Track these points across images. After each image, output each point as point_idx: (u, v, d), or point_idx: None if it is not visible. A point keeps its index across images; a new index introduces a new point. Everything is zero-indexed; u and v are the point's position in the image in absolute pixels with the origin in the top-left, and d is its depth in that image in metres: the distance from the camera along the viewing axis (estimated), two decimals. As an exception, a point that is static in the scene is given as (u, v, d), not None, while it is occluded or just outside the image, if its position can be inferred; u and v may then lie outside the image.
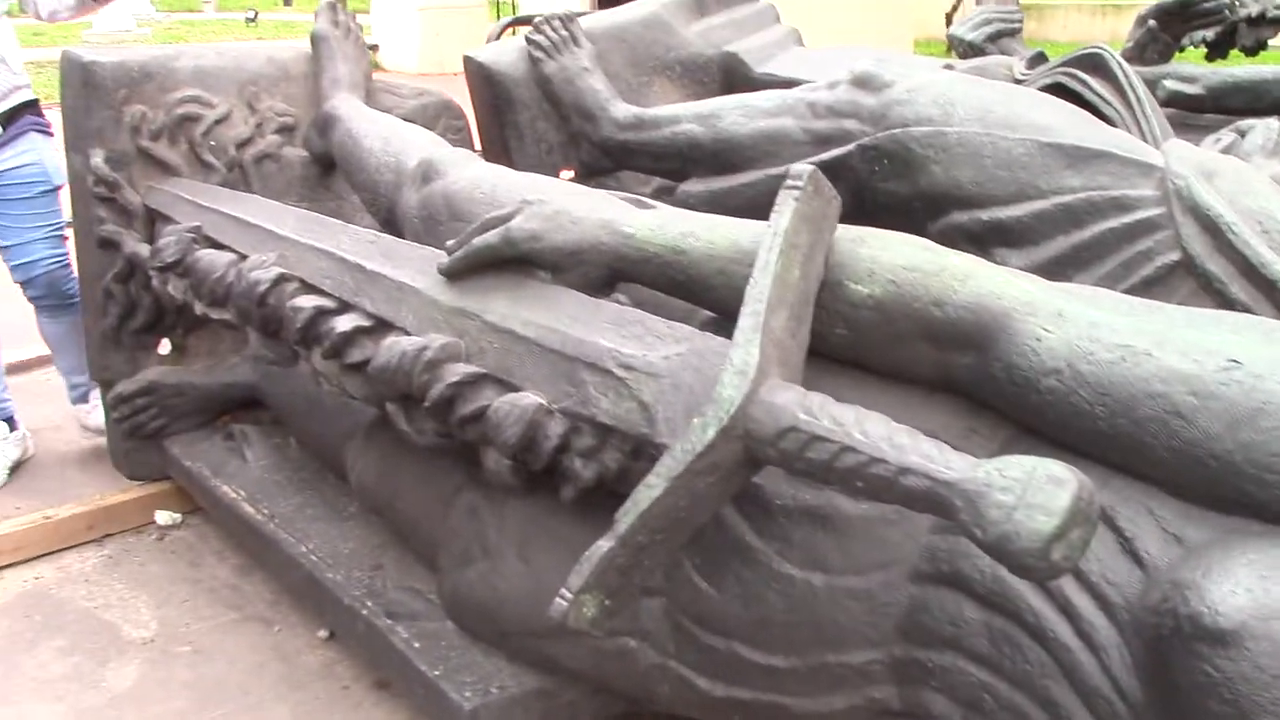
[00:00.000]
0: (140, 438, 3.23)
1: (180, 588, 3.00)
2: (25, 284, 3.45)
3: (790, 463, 1.40)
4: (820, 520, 1.60)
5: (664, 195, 2.84)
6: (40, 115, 3.46)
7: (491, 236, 1.93)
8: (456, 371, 1.86)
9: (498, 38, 5.19)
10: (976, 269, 1.56)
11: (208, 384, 3.25)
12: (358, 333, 2.08)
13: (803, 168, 1.59)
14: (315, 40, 3.28)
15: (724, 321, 1.76)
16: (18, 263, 3.41)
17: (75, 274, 3.49)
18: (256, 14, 18.63)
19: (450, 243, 2.03)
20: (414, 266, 2.12)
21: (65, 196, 3.32)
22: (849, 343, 1.64)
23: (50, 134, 3.46)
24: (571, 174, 3.20)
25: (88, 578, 3.07)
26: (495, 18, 14.19)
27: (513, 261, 1.94)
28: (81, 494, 3.40)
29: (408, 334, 2.00)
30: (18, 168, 3.36)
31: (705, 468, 1.43)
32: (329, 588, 2.46)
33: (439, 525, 2.21)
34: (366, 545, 2.58)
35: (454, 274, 2.00)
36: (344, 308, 2.15)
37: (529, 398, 1.76)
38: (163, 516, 3.33)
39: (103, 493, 3.37)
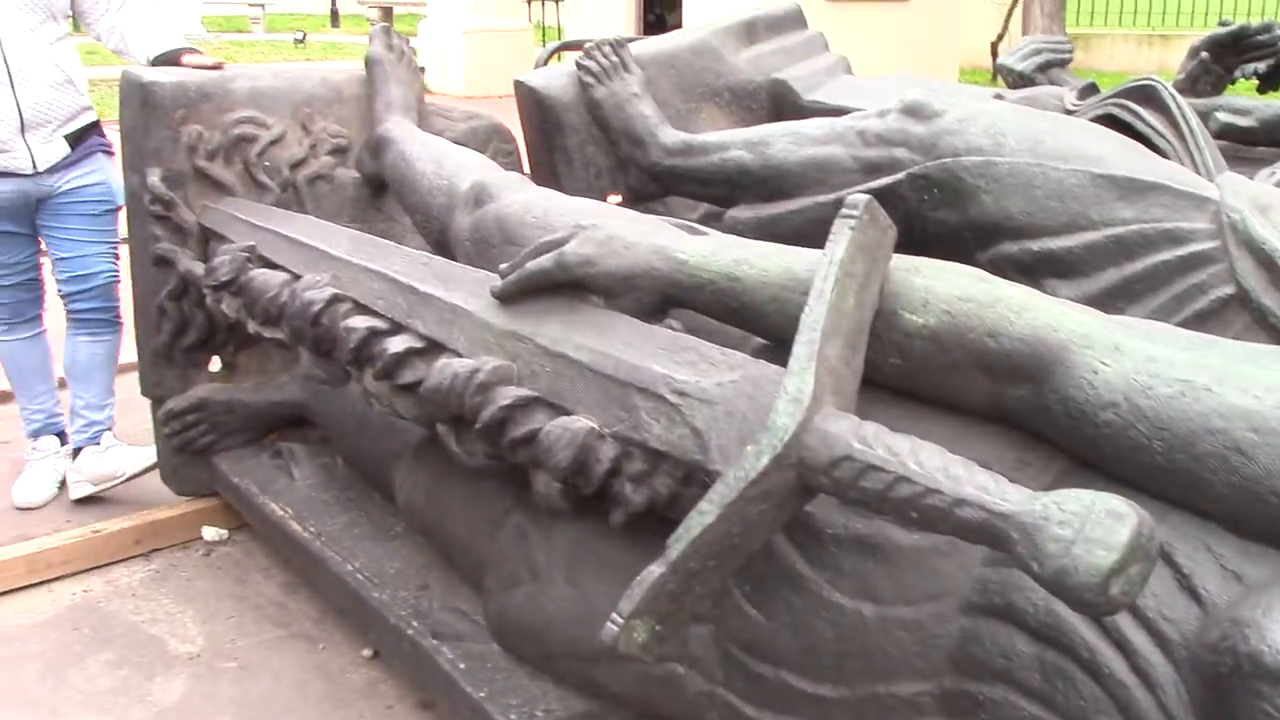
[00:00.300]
0: (189, 454, 3.27)
1: (226, 604, 3.03)
2: (79, 294, 3.46)
3: (844, 492, 1.40)
4: (871, 550, 1.60)
5: (711, 221, 2.85)
6: (104, 135, 3.51)
7: (545, 261, 1.95)
8: (508, 394, 1.87)
9: (545, 63, 5.23)
10: (1032, 300, 1.56)
11: (257, 402, 3.29)
12: (410, 354, 2.10)
13: (859, 197, 1.59)
14: (369, 63, 3.32)
15: (777, 349, 1.76)
16: (75, 273, 3.44)
17: (120, 296, 3.53)
18: (305, 35, 18.86)
19: (503, 266, 2.05)
20: (466, 289, 2.14)
21: (121, 217, 3.36)
22: (902, 372, 1.64)
23: (113, 154, 3.50)
24: (619, 199, 3.21)
25: (135, 592, 3.11)
26: (540, 42, 14.31)
27: (565, 286, 1.96)
28: (130, 508, 3.44)
29: (460, 356, 2.02)
30: (85, 186, 3.41)
31: (758, 495, 1.43)
32: (375, 607, 2.48)
33: (486, 547, 2.22)
34: (413, 565, 2.60)
35: (507, 297, 2.01)
36: (396, 329, 2.17)
37: (580, 421, 1.77)
38: (210, 532, 3.36)
39: (151, 508, 3.41)
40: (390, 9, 20.00)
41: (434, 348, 2.10)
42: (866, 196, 1.60)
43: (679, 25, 11.03)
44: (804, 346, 1.47)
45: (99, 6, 3.39)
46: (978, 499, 1.26)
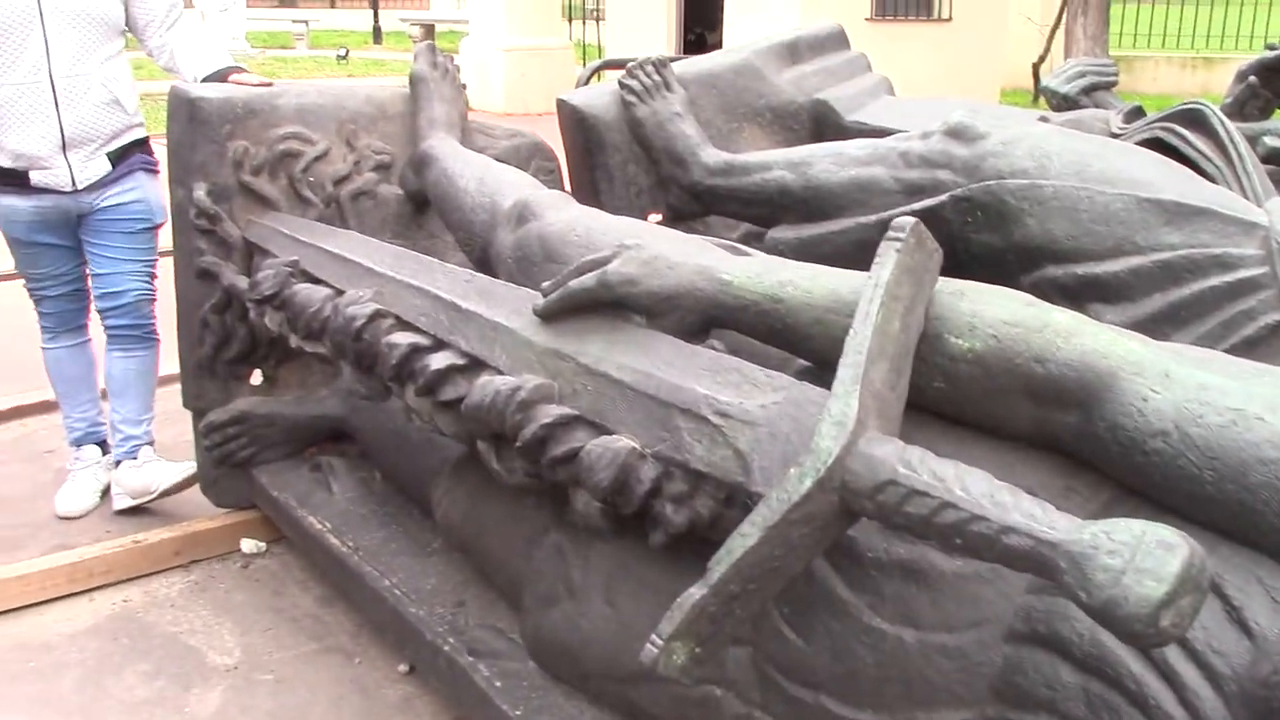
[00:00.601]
0: (229, 466, 3.28)
1: (264, 616, 3.04)
2: (110, 311, 3.50)
3: (888, 516, 1.39)
4: (913, 575, 1.58)
5: (752, 241, 2.84)
6: (149, 153, 3.53)
7: (588, 280, 1.95)
8: (550, 413, 1.88)
9: (586, 81, 5.25)
10: (1081, 326, 1.54)
11: (297, 415, 3.30)
12: (451, 371, 2.11)
13: (905, 220, 1.59)
14: (414, 81, 3.35)
15: (820, 371, 1.75)
16: (107, 290, 3.48)
17: (156, 313, 3.55)
18: (348, 51, 19.04)
19: (546, 284, 2.05)
20: (509, 306, 2.14)
21: (166, 231, 3.38)
22: (946, 396, 1.63)
23: (156, 172, 3.53)
24: (660, 218, 3.22)
25: (174, 602, 3.12)
26: (581, 60, 14.36)
27: (608, 305, 1.96)
28: (170, 519, 3.47)
29: (501, 374, 2.02)
30: (123, 204, 3.43)
31: (801, 518, 1.42)
32: (411, 623, 2.48)
33: (524, 564, 2.22)
34: (449, 582, 2.59)
35: (549, 316, 2.02)
36: (438, 345, 2.18)
37: (622, 441, 1.77)
38: (248, 544, 3.38)
39: (190, 519, 3.43)
40: (432, 26, 20.17)
41: (475, 365, 2.10)
42: (913, 219, 1.59)
43: (719, 45, 11.05)
44: (849, 370, 1.46)
45: (153, 24, 3.43)
46: (1025, 526, 1.24)
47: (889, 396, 1.52)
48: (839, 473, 1.41)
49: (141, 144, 3.51)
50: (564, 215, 2.42)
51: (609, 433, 1.82)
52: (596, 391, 1.88)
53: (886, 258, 1.55)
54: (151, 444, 3.61)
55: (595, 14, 15.38)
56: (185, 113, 3.06)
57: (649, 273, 1.90)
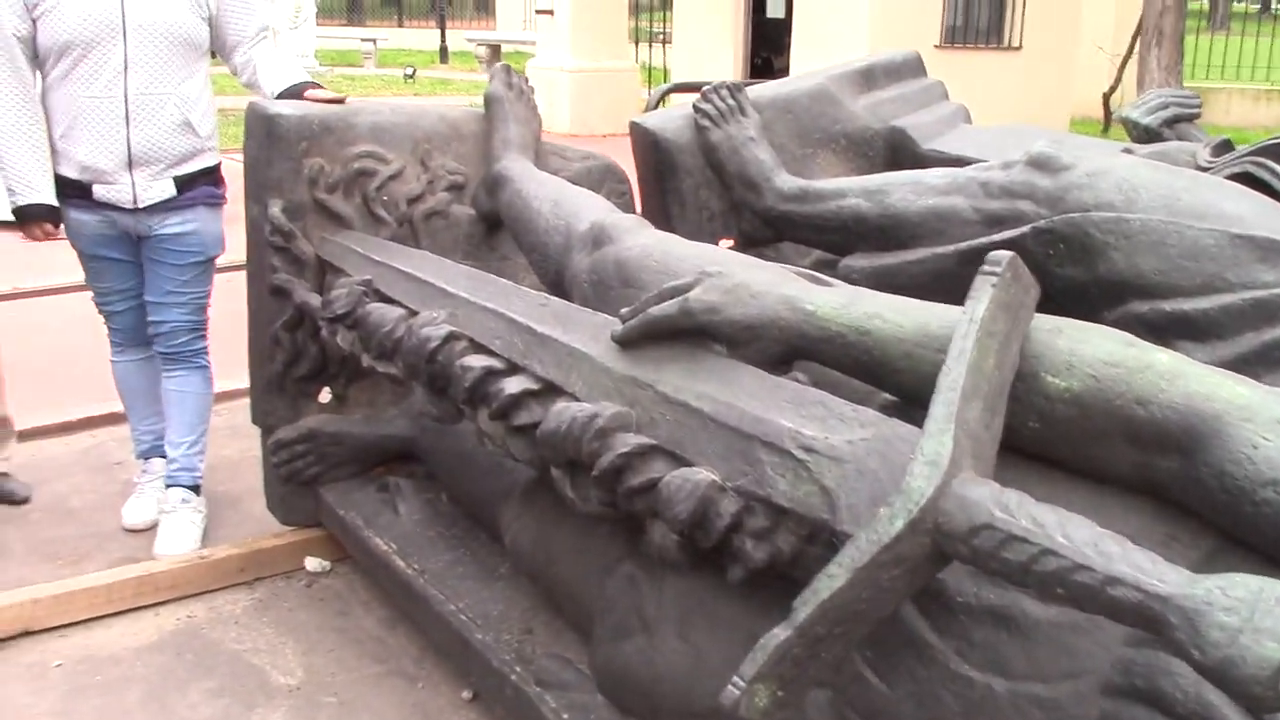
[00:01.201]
0: (296, 483, 3.28)
1: (327, 636, 3.03)
2: (153, 336, 3.54)
3: (983, 562, 1.34)
4: (1004, 622, 1.53)
5: (825, 268, 2.80)
6: (217, 184, 3.52)
7: (669, 307, 1.92)
8: (627, 442, 1.84)
9: (656, 105, 5.23)
10: (1185, 368, 1.49)
11: (365, 435, 3.29)
12: (526, 395, 2.08)
13: (1001, 254, 1.55)
14: (489, 101, 3.34)
15: (906, 406, 1.71)
16: (152, 319, 3.51)
17: (204, 346, 3.57)
18: (415, 70, 19.24)
19: (624, 310, 2.02)
20: (585, 332, 2.12)
21: (239, 247, 3.38)
22: (1041, 437, 1.58)
23: (220, 204, 3.53)
24: (731, 243, 3.19)
25: (238, 620, 3.12)
26: (646, 83, 14.40)
27: (687, 333, 1.93)
28: (234, 536, 3.47)
29: (577, 400, 2.00)
30: (176, 235, 3.42)
31: (890, 560, 1.38)
32: (477, 649, 2.45)
33: (595, 594, 2.19)
34: (517, 608, 2.57)
35: (628, 342, 1.98)
36: (513, 369, 2.16)
37: (702, 473, 1.73)
38: (313, 563, 3.37)
39: (255, 536, 3.43)
40: (498, 47, 20.33)
41: (551, 390, 2.08)
42: (1009, 253, 1.55)
43: (786, 70, 11.03)
44: (942, 408, 1.42)
45: (243, 43, 3.45)
46: (1132, 578, 1.19)
47: (983, 436, 1.47)
48: (932, 514, 1.36)
49: (210, 173, 3.49)
50: (641, 240, 2.39)
51: (688, 464, 1.78)
52: (676, 421, 1.84)
53: (982, 292, 1.51)
54: (193, 486, 3.58)
55: (662, 37, 15.43)
56: (263, 129, 3.07)
57: (731, 301, 1.86)
